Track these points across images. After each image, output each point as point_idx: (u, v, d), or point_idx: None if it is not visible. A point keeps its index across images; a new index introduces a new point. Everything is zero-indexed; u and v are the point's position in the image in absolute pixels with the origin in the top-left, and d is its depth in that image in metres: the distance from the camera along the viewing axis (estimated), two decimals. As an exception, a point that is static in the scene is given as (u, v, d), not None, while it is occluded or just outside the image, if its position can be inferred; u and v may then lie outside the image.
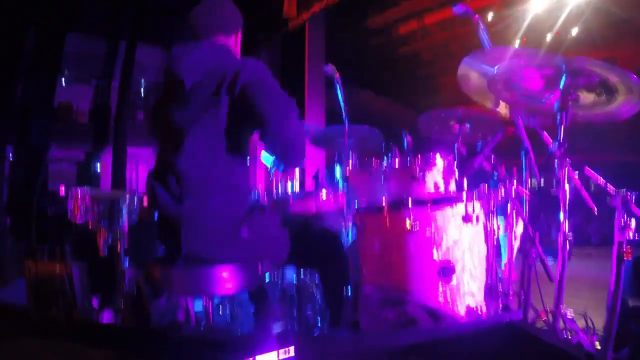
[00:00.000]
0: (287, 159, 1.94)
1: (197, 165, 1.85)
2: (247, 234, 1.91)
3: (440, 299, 2.04)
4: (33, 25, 6.97)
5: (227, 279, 1.89)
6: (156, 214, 1.99)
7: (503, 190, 2.29)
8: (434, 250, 2.06)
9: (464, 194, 2.14)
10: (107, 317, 2.79)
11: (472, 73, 2.16)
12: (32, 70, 6.98)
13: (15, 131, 6.63)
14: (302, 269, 2.74)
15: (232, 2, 2.08)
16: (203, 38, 1.98)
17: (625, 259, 1.64)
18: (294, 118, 1.87)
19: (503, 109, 2.39)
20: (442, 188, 2.62)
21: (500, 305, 2.29)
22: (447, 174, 2.65)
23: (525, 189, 2.50)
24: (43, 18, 7.00)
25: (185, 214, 1.85)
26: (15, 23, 6.34)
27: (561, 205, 1.92)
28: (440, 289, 2.05)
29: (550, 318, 2.01)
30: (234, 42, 2.06)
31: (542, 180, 2.51)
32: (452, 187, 2.63)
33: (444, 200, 2.14)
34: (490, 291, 2.14)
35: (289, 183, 3.40)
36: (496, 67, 1.98)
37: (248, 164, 1.97)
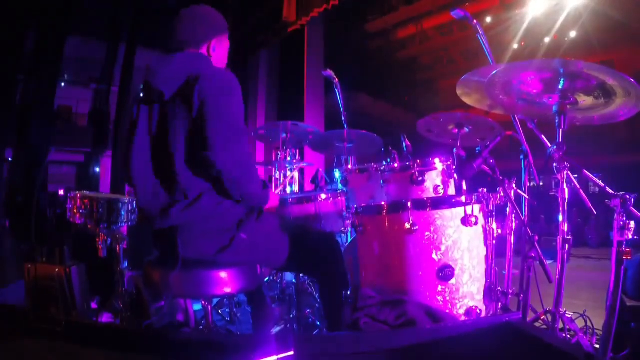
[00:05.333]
0: (230, 189, 1.88)
1: (178, 170, 1.85)
2: (245, 236, 1.91)
3: (440, 299, 2.04)
4: (33, 29, 6.98)
5: (225, 281, 1.90)
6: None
7: (502, 192, 2.29)
8: (433, 252, 2.06)
9: (463, 197, 2.15)
10: (106, 317, 2.79)
11: (471, 84, 2.18)
12: (32, 72, 6.99)
13: (15, 133, 6.62)
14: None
15: (205, 10, 2.10)
16: (177, 51, 2.01)
17: (624, 259, 1.64)
18: (240, 150, 1.84)
19: None
20: (441, 191, 2.63)
21: (500, 306, 2.30)
22: (446, 177, 2.66)
23: (524, 191, 2.51)
24: (43, 21, 7.01)
25: (176, 222, 1.86)
26: (16, 26, 6.35)
27: (560, 207, 1.93)
28: (439, 289, 2.05)
29: (550, 318, 2.02)
30: (207, 51, 2.06)
31: (541, 182, 2.52)
32: (452, 190, 2.65)
33: (443, 202, 2.14)
34: (489, 292, 2.15)
35: (289, 185, 3.41)
36: (494, 71, 1.99)
37: None
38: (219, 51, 2.10)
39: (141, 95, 1.98)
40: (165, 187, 1.88)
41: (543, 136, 2.27)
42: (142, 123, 1.97)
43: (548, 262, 1.88)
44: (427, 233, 2.07)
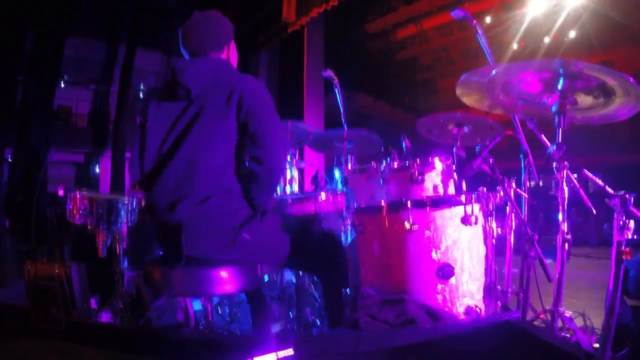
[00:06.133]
0: (267, 181, 2.03)
1: (193, 169, 1.88)
2: (249, 237, 1.92)
3: (439, 298, 2.05)
4: (33, 30, 6.99)
5: (226, 280, 1.90)
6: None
7: (501, 191, 2.30)
8: (433, 251, 2.06)
9: (463, 196, 2.15)
10: (106, 317, 2.79)
11: (471, 84, 2.17)
12: (32, 73, 7.00)
13: (15, 133, 6.63)
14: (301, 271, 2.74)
15: (220, 15, 2.15)
16: (199, 54, 2.07)
17: (624, 258, 1.64)
18: (286, 150, 2.12)
19: None
20: (441, 190, 2.63)
21: (499, 305, 2.30)
22: (445, 177, 2.66)
23: (524, 191, 2.51)
24: (43, 22, 7.02)
25: (182, 218, 1.87)
26: (16, 27, 6.36)
27: (560, 206, 1.93)
28: (439, 288, 2.05)
29: (549, 317, 2.02)
30: (227, 55, 2.14)
31: (541, 182, 2.52)
32: (451, 189, 2.65)
33: (442, 201, 2.15)
34: (489, 291, 2.15)
35: (288, 185, 3.41)
36: (494, 70, 1.99)
37: (242, 169, 2.01)
38: (233, 54, 2.19)
39: (166, 92, 2.01)
40: (177, 182, 1.89)
41: (543, 136, 2.27)
42: (160, 118, 2.00)
43: (548, 261, 1.88)
44: (426, 232, 2.07)
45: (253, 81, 2.02)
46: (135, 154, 2.07)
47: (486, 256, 2.19)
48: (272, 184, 2.06)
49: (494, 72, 1.97)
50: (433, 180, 2.65)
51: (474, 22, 2.49)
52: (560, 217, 1.93)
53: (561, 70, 1.87)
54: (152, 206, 1.99)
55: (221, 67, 2.04)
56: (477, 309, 2.07)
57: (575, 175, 2.09)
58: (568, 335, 2.10)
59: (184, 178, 1.89)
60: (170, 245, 1.93)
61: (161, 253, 2.06)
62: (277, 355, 1.46)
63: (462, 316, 2.04)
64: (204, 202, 1.87)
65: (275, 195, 3.02)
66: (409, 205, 2.08)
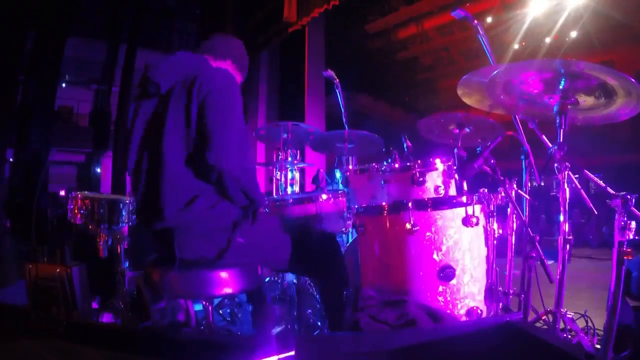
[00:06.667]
0: (224, 190, 1.86)
1: (172, 171, 1.81)
2: (243, 240, 1.90)
3: (440, 300, 2.04)
4: (33, 30, 7.00)
5: (225, 281, 1.90)
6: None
7: (503, 192, 2.29)
8: (434, 252, 2.06)
9: (464, 197, 2.15)
10: (107, 318, 2.79)
11: (472, 84, 2.17)
12: (33, 73, 7.01)
13: (16, 134, 6.64)
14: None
15: (234, 39, 2.19)
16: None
17: (625, 259, 1.64)
18: (241, 155, 1.82)
19: None
20: (442, 191, 2.63)
21: (501, 306, 2.29)
22: (447, 177, 2.66)
23: (525, 192, 2.51)
24: (43, 22, 7.02)
25: (171, 224, 1.83)
26: (16, 27, 6.36)
27: (561, 207, 1.93)
28: (440, 290, 2.05)
29: (551, 318, 2.01)
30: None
31: (542, 182, 2.51)
32: (452, 190, 2.64)
33: (444, 202, 2.14)
34: (490, 292, 2.14)
35: (289, 185, 3.41)
36: (495, 71, 1.99)
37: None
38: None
39: (139, 91, 1.95)
40: (159, 187, 1.82)
41: (544, 136, 2.27)
42: (139, 121, 1.94)
43: (549, 262, 1.88)
44: (428, 233, 2.07)
45: (217, 69, 1.91)
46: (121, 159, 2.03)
47: (487, 257, 2.19)
48: (228, 192, 1.85)
49: (495, 72, 1.97)
50: (434, 180, 2.64)
51: (475, 22, 2.49)
52: (561, 218, 1.92)
53: (562, 70, 1.87)
54: (140, 214, 1.96)
55: (194, 59, 1.93)
56: (479, 311, 2.07)
57: (577, 176, 2.09)
58: (569, 336, 2.09)
59: (165, 182, 1.81)
60: (164, 249, 1.91)
61: (158, 255, 2.05)
62: (278, 357, 1.46)
63: (463, 317, 2.04)
64: (189, 205, 1.81)
65: (276, 196, 3.02)
66: (410, 206, 2.08)
